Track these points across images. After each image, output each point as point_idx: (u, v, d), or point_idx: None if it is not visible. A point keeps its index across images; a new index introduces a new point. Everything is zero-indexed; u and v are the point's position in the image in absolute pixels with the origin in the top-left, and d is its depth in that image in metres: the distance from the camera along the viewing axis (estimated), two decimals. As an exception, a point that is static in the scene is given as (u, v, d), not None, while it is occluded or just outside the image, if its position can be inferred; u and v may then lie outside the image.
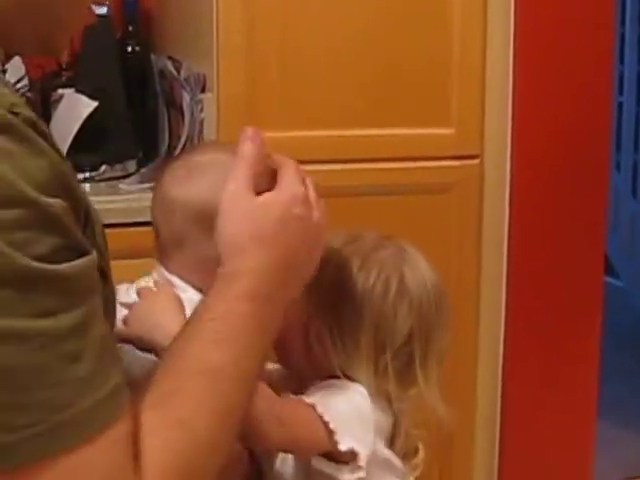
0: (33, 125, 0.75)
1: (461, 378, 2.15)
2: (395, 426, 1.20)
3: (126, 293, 1.17)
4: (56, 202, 0.75)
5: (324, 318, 1.19)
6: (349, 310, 1.19)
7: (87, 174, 2.02)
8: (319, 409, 1.10)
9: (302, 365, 1.22)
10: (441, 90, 2.07)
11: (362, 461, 1.10)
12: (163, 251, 1.17)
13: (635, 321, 4.46)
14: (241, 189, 0.92)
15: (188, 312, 1.09)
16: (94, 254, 0.80)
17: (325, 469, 1.12)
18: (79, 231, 0.79)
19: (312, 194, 0.96)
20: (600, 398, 2.35)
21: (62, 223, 0.76)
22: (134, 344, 1.09)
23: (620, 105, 4.84)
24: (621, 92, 4.85)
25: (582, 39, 2.19)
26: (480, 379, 2.20)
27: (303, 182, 0.96)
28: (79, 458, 0.73)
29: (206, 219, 1.04)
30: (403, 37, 2.03)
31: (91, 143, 2.03)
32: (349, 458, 1.12)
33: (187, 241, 1.12)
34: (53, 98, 2.08)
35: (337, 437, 1.09)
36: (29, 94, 2.05)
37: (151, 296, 1.15)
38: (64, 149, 1.99)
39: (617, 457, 2.92)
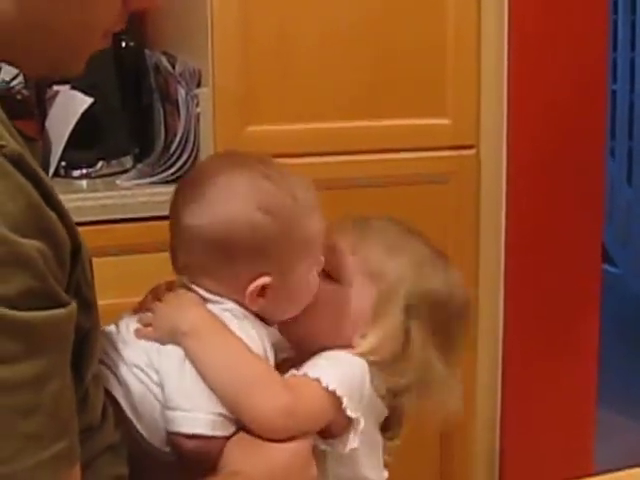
0: (18, 159, 0.72)
1: (460, 365, 2.15)
2: (395, 412, 1.21)
3: (126, 331, 1.09)
4: (30, 243, 0.71)
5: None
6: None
7: (84, 170, 2.01)
8: (324, 381, 1.09)
9: (314, 341, 1.20)
10: (437, 81, 2.07)
11: (358, 429, 1.10)
12: (185, 271, 1.09)
13: (633, 308, 4.47)
14: None
15: (230, 323, 1.05)
16: (72, 306, 0.75)
17: (320, 445, 1.11)
18: (61, 276, 0.75)
19: None
20: (600, 385, 2.36)
21: (35, 266, 0.71)
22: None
23: (614, 93, 4.84)
24: (614, 80, 4.85)
25: (576, 28, 2.19)
26: (480, 366, 2.20)
27: None
28: None
29: (224, 247, 1.03)
30: (398, 28, 2.03)
31: (87, 140, 2.03)
32: (344, 427, 1.11)
33: (209, 268, 1.05)
34: (48, 95, 2.07)
35: (345, 404, 1.07)
36: (24, 91, 2.04)
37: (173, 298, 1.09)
38: (60, 146, 1.99)
39: (618, 445, 2.92)
